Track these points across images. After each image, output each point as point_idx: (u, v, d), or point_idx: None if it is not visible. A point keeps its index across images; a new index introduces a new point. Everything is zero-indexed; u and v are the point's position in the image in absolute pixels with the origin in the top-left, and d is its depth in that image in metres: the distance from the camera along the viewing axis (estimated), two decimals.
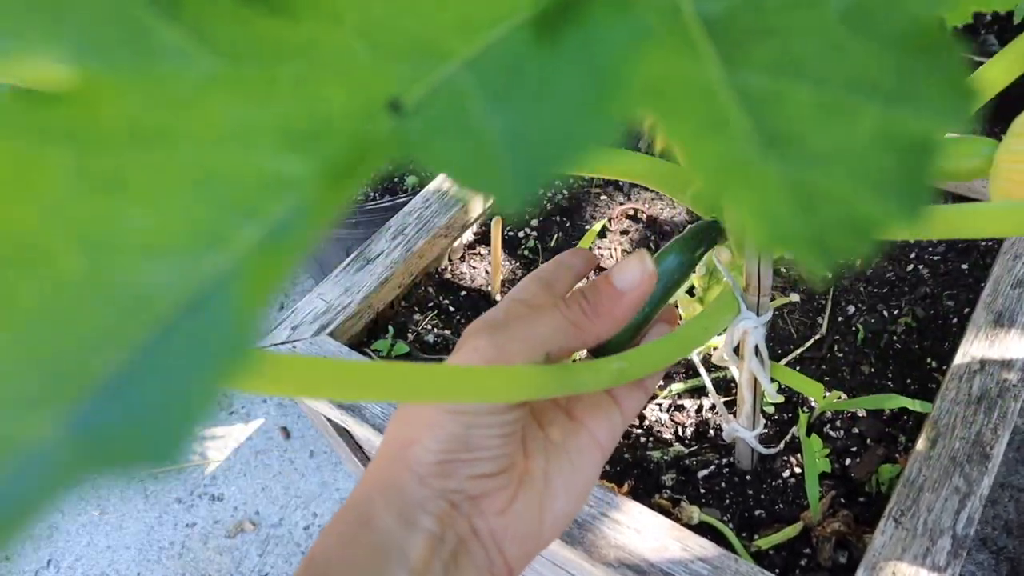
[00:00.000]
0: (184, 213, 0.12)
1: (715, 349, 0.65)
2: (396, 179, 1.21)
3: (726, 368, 0.74)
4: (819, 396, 0.61)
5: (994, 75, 0.48)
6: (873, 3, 0.13)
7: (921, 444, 0.58)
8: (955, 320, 0.74)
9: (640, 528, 0.56)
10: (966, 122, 0.12)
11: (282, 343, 0.72)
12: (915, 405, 0.63)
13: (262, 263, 0.12)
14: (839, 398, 0.67)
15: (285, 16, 0.14)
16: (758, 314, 0.53)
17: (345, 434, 0.78)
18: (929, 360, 0.71)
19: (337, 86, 0.14)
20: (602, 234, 0.88)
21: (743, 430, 0.61)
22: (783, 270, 0.80)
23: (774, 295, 0.73)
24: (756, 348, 0.55)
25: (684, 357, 0.51)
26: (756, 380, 0.57)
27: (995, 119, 0.68)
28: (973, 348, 0.64)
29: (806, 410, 0.68)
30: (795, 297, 0.62)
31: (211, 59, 0.13)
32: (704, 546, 0.55)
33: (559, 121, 0.12)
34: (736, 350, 0.58)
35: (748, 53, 0.14)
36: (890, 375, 0.71)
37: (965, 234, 0.40)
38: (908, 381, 0.70)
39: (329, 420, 0.73)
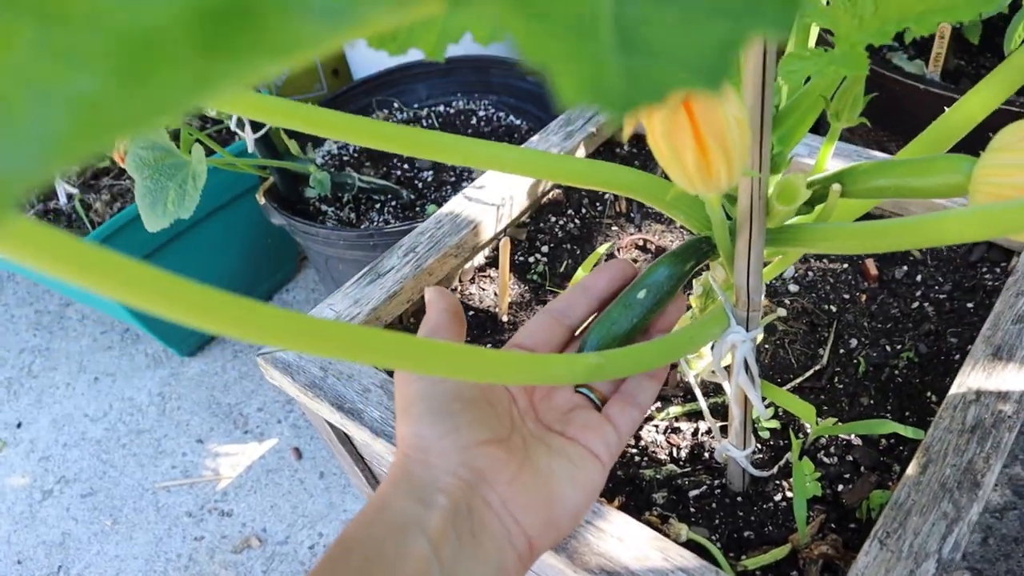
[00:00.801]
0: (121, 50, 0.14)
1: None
2: (417, 207, 1.24)
3: (724, 395, 0.74)
4: (811, 418, 0.62)
5: (981, 101, 0.50)
6: None
7: (911, 469, 0.58)
8: (958, 357, 0.74)
9: (623, 537, 0.56)
10: (788, 29, 0.14)
11: None
12: (907, 432, 0.63)
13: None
14: (834, 424, 0.67)
15: None
16: (748, 329, 0.54)
17: (347, 442, 0.79)
18: (929, 394, 0.71)
19: None
20: None
21: (734, 449, 0.62)
22: (786, 302, 0.81)
23: (766, 312, 0.74)
24: (746, 364, 0.56)
25: (666, 364, 0.52)
26: (747, 398, 0.58)
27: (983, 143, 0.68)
28: (970, 379, 0.64)
29: (800, 436, 0.68)
30: (782, 312, 0.63)
31: None
32: (685, 556, 0.55)
33: None
34: (729, 368, 0.59)
35: None
36: (889, 407, 0.71)
37: (938, 241, 0.41)
38: (907, 414, 0.70)
39: (330, 425, 0.74)
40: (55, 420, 1.49)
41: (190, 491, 1.31)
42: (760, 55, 0.38)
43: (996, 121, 0.46)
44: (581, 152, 0.97)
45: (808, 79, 0.48)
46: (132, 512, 1.30)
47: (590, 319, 0.56)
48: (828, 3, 0.42)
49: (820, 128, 1.24)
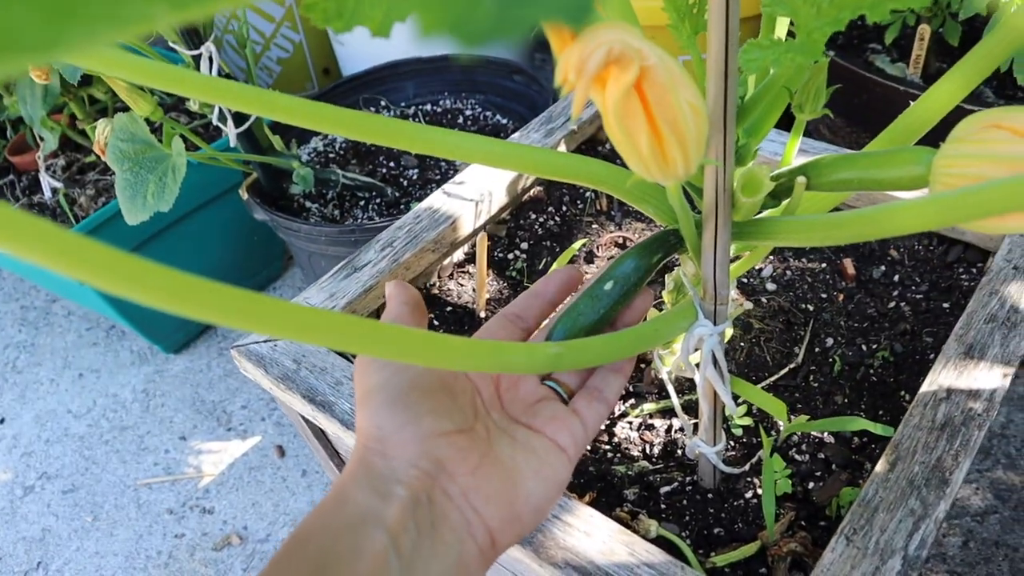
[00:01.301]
0: None
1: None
2: (402, 205, 1.24)
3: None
4: (782, 416, 0.61)
5: (946, 93, 0.49)
6: None
7: (880, 466, 0.58)
8: (932, 356, 0.74)
9: (590, 531, 0.56)
10: None
11: (264, 340, 0.74)
12: (877, 429, 0.63)
13: None
14: (806, 421, 0.67)
15: None
16: (715, 323, 0.54)
17: (321, 436, 0.79)
18: (903, 393, 0.71)
19: None
20: (590, 260, 0.89)
21: (704, 445, 0.61)
22: (763, 300, 0.81)
23: (734, 305, 0.73)
24: (715, 358, 0.56)
25: (629, 356, 0.52)
26: (716, 393, 0.58)
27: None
28: (941, 377, 0.64)
29: (772, 433, 0.68)
30: (749, 305, 0.63)
31: None
32: (651, 551, 0.54)
33: None
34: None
35: None
36: (863, 406, 0.71)
37: (897, 230, 0.41)
38: (880, 412, 0.70)
39: (303, 418, 0.74)
40: (38, 416, 1.48)
41: (172, 488, 1.31)
42: (722, 44, 0.38)
43: (963, 117, 0.46)
44: (562, 150, 0.96)
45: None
46: (113, 509, 1.29)
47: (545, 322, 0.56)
48: None
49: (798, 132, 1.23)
